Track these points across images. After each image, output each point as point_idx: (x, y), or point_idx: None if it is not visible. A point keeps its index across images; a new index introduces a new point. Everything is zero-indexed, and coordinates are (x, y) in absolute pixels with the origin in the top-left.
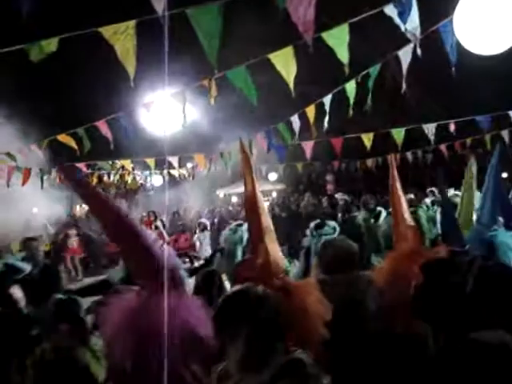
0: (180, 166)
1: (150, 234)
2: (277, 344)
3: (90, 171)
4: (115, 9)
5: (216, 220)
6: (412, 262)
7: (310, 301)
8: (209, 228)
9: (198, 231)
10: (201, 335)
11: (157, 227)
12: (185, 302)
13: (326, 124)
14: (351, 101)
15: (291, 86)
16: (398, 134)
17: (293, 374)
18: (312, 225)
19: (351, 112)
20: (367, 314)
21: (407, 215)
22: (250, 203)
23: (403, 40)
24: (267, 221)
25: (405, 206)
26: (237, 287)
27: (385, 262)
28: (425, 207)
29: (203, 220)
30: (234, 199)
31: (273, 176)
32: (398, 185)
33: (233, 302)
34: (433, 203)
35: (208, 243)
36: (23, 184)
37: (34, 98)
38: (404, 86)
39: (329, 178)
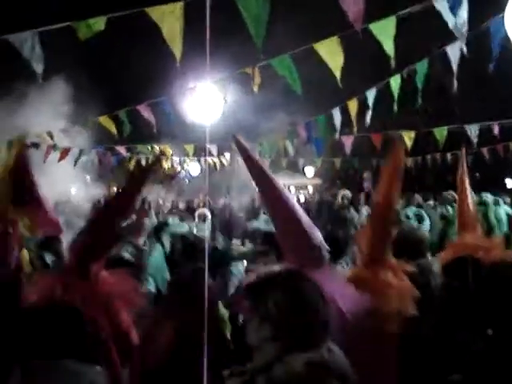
0: (218, 155)
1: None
2: None
3: (128, 154)
4: None
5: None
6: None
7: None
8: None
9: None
10: (343, 311)
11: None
12: (330, 277)
13: (368, 120)
14: (395, 96)
15: (338, 75)
16: (440, 133)
17: None
18: None
19: (396, 108)
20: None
21: (472, 207)
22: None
23: (450, 36)
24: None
25: (470, 198)
26: None
27: (446, 251)
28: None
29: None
30: None
31: (310, 170)
32: (466, 177)
33: None
34: None
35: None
36: (59, 161)
37: (77, 77)
38: (455, 83)
39: (366, 175)
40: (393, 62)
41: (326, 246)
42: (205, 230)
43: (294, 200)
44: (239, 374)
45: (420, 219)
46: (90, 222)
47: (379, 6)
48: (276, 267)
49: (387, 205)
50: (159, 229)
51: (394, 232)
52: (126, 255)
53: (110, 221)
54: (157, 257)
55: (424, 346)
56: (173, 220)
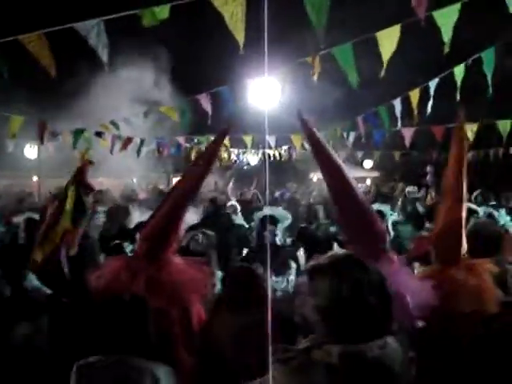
0: (276, 147)
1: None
2: None
3: (188, 145)
4: None
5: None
6: None
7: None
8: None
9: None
10: (407, 302)
11: None
12: (395, 268)
13: (429, 109)
14: (458, 85)
15: (385, 65)
16: (504, 126)
17: None
18: None
19: (458, 97)
20: None
21: None
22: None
23: None
24: None
25: None
26: None
27: None
28: None
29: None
30: None
31: (368, 163)
32: None
33: None
34: None
35: None
36: (121, 150)
37: (140, 66)
38: None
39: (429, 169)
40: (446, 49)
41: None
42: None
43: (357, 186)
44: (282, 351)
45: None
46: (158, 207)
47: None
48: (340, 252)
49: (456, 197)
50: None
51: (466, 228)
52: (194, 245)
53: (177, 205)
54: None
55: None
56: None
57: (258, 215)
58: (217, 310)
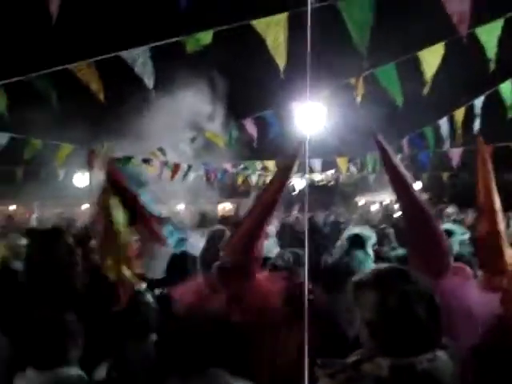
0: (322, 170)
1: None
2: None
3: (234, 170)
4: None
5: None
6: None
7: None
8: None
9: None
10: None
11: None
12: (465, 284)
13: (476, 126)
14: (508, 102)
15: (429, 84)
16: None
17: None
18: None
19: (511, 114)
20: None
21: None
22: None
23: None
24: None
25: None
26: None
27: None
28: None
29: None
30: (374, 207)
31: (416, 186)
32: None
33: None
34: None
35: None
36: (172, 177)
37: (184, 91)
38: None
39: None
40: (492, 66)
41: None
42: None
43: (428, 206)
44: (329, 366)
45: None
46: (238, 225)
47: (483, 9)
48: (385, 266)
49: (489, 210)
50: None
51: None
52: (279, 262)
53: (257, 220)
54: None
55: None
56: None
57: (346, 234)
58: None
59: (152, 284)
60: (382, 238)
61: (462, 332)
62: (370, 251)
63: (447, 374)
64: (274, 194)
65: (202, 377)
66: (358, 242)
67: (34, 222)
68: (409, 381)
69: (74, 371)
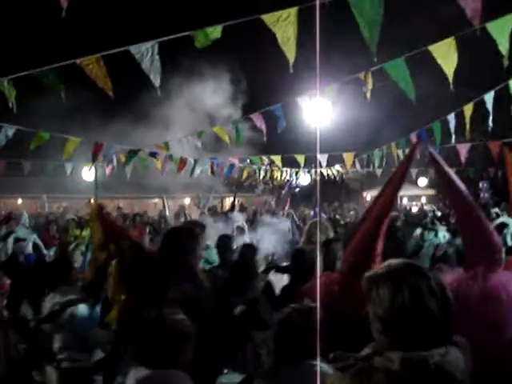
0: (328, 165)
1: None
2: None
3: (241, 165)
4: None
5: None
6: None
7: None
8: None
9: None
10: None
11: None
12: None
13: (490, 123)
14: None
15: (451, 79)
16: None
17: None
18: None
19: None
20: None
21: None
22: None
23: None
24: None
25: None
26: None
27: None
28: None
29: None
30: None
31: (422, 181)
32: None
33: None
34: None
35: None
36: (178, 171)
37: (192, 87)
38: None
39: (482, 184)
40: (506, 62)
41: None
42: None
43: (478, 207)
44: (342, 359)
45: None
46: (358, 225)
47: (496, 4)
48: (397, 261)
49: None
50: None
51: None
52: None
53: (377, 222)
54: None
55: None
56: None
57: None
58: None
59: None
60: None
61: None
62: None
63: (459, 369)
64: (389, 196)
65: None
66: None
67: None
68: (420, 374)
69: (182, 374)
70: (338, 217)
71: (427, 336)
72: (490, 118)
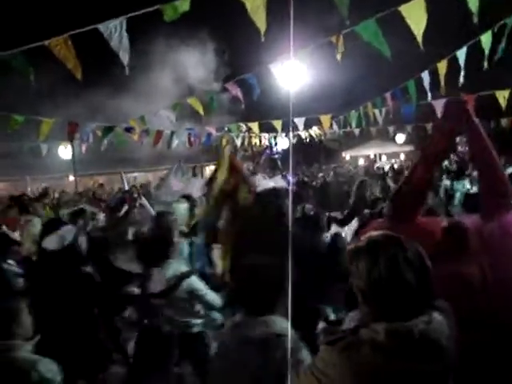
0: (305, 128)
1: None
2: None
3: (218, 134)
4: None
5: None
6: None
7: None
8: None
9: None
10: None
11: None
12: None
13: (461, 79)
14: (486, 52)
15: (420, 39)
16: None
17: None
18: None
19: (486, 64)
20: None
21: None
22: None
23: None
24: None
25: None
26: None
27: None
28: None
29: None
30: (361, 162)
31: (400, 137)
32: None
33: None
34: None
35: None
36: (155, 144)
37: (163, 61)
38: None
39: (459, 139)
40: (475, 19)
41: None
42: None
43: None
44: (330, 333)
45: None
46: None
47: None
48: (375, 234)
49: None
50: None
51: None
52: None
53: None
54: None
55: None
56: None
57: None
58: None
59: None
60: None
61: None
62: None
63: (444, 335)
64: (438, 145)
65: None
66: None
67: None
68: (406, 344)
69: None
70: (306, 179)
71: (408, 306)
72: (462, 73)
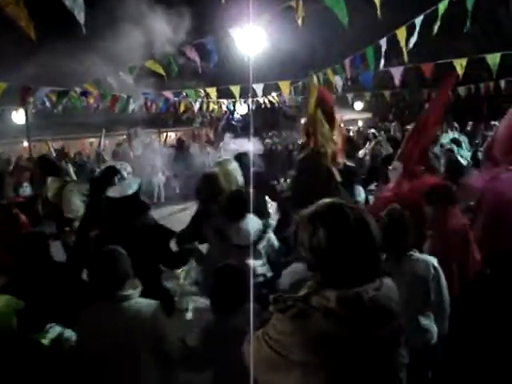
0: (265, 94)
1: None
2: None
3: (176, 99)
4: None
5: None
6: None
7: None
8: None
9: None
10: None
11: None
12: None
13: (411, 45)
14: (438, 20)
15: (378, 5)
16: (493, 59)
17: None
18: None
19: (435, 31)
20: None
21: None
22: None
23: None
24: None
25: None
26: None
27: None
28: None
29: None
30: None
31: (359, 105)
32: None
33: None
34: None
35: None
36: (111, 108)
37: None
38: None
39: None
40: None
41: None
42: None
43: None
44: (282, 301)
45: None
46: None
47: None
48: (321, 203)
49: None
50: None
51: None
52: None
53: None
54: None
55: None
56: None
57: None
58: None
59: None
60: None
61: None
62: None
63: (394, 300)
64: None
65: None
66: None
67: None
68: (356, 310)
69: None
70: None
71: (355, 273)
72: (413, 40)
